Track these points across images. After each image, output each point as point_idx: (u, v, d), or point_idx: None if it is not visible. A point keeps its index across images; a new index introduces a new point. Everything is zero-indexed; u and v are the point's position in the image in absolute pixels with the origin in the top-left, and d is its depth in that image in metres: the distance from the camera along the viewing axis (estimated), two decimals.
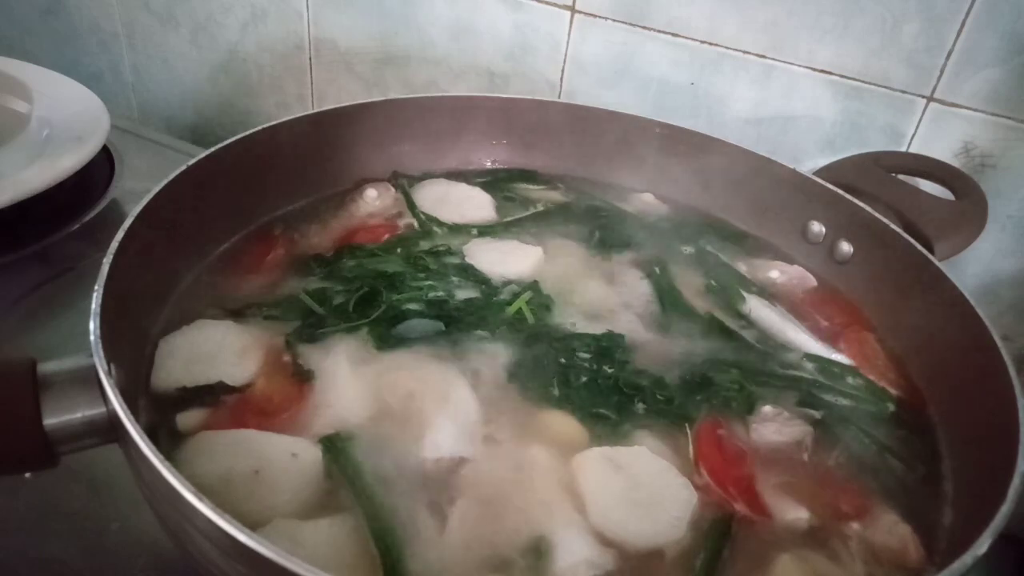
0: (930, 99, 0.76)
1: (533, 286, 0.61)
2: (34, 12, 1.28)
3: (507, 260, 0.64)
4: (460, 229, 0.69)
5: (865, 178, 0.72)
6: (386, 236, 0.67)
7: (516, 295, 0.60)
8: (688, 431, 0.51)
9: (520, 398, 0.51)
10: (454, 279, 0.62)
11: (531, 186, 0.78)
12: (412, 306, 0.58)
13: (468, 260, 0.64)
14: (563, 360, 0.55)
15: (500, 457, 0.47)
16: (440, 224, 0.70)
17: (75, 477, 0.56)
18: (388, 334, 0.55)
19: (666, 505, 0.45)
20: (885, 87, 0.77)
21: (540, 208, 0.74)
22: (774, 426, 0.51)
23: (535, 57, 0.93)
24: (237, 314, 0.56)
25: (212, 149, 0.59)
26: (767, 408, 0.53)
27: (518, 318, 0.58)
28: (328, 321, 0.56)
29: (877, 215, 0.64)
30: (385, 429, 0.48)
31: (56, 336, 0.70)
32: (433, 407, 0.49)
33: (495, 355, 0.54)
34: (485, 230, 0.70)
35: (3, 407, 0.40)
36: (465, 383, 0.51)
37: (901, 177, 0.74)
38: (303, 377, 0.51)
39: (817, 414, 0.53)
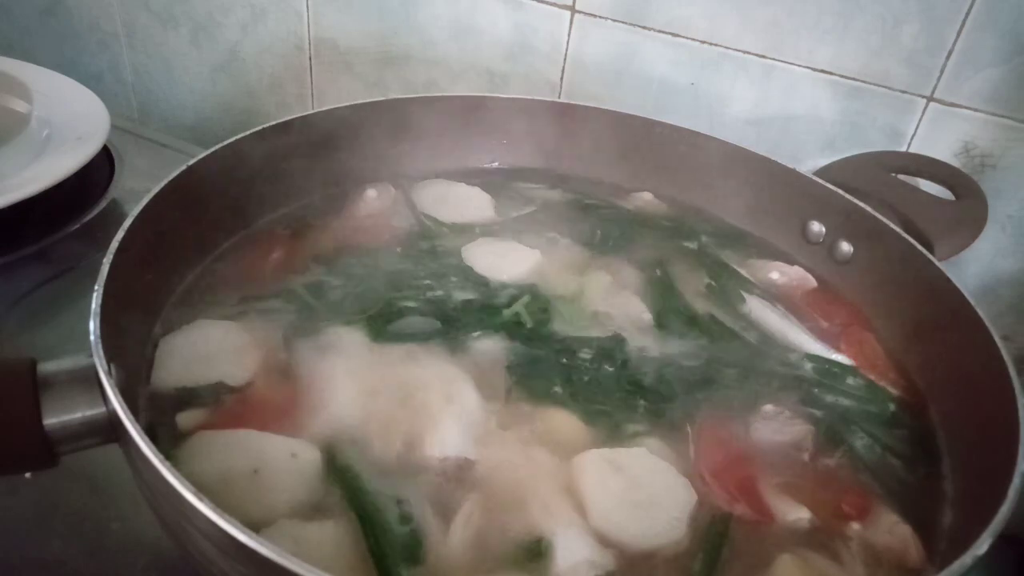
0: (930, 99, 0.76)
1: (531, 289, 0.61)
2: (34, 12, 1.28)
3: (505, 262, 0.64)
4: (460, 229, 0.69)
5: (865, 178, 0.72)
6: (386, 236, 0.67)
7: (514, 298, 0.60)
8: (689, 431, 0.51)
9: (520, 398, 0.51)
10: (453, 279, 0.62)
11: (531, 186, 0.78)
12: (410, 304, 0.58)
13: (466, 262, 0.64)
14: (564, 360, 0.55)
15: (501, 458, 0.47)
16: (440, 224, 0.70)
17: (75, 477, 0.56)
18: (385, 331, 0.55)
19: (666, 506, 0.45)
20: (885, 87, 0.77)
21: (540, 208, 0.74)
22: (775, 426, 0.51)
23: (535, 57, 0.93)
24: (237, 313, 0.56)
25: (212, 149, 0.59)
26: (768, 407, 0.53)
27: (516, 320, 0.58)
28: (326, 319, 0.56)
29: (877, 215, 0.64)
30: (384, 429, 0.48)
31: (56, 336, 0.70)
32: (437, 406, 0.49)
33: (495, 355, 0.54)
34: (485, 230, 0.70)
35: (3, 407, 0.40)
36: (470, 383, 0.51)
37: (901, 177, 0.74)
38: (302, 377, 0.51)
39: (818, 414, 0.54)
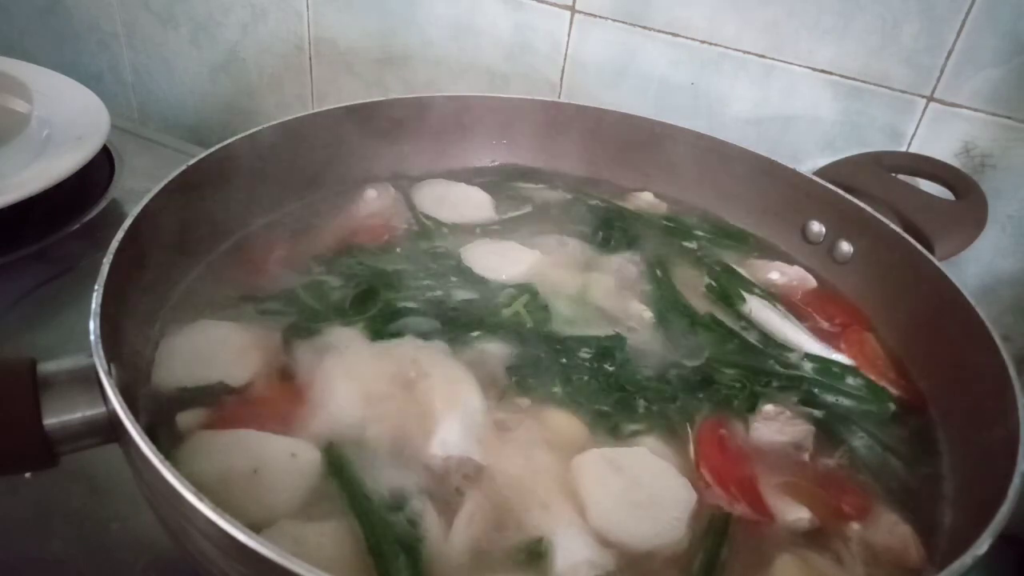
0: (930, 99, 0.76)
1: (530, 289, 0.61)
2: (34, 12, 1.28)
3: (504, 262, 0.64)
4: (460, 229, 0.69)
5: (865, 178, 0.72)
6: (386, 236, 0.67)
7: (513, 298, 0.60)
8: (689, 431, 0.51)
9: (520, 398, 0.51)
10: (452, 279, 0.62)
11: (531, 185, 0.78)
12: (409, 304, 0.58)
13: (466, 262, 0.64)
14: (563, 360, 0.55)
15: (502, 458, 0.47)
16: (439, 224, 0.70)
17: (75, 477, 0.56)
18: (385, 331, 0.55)
19: (666, 506, 0.45)
20: (885, 87, 0.77)
21: (540, 208, 0.74)
22: (776, 425, 0.51)
23: (535, 57, 0.93)
24: (237, 313, 0.56)
25: (212, 149, 0.59)
26: (769, 407, 0.53)
27: (516, 320, 0.58)
28: (326, 319, 0.56)
29: (877, 215, 0.64)
30: (385, 428, 0.48)
31: (56, 336, 0.70)
32: (440, 406, 0.49)
33: (494, 355, 0.54)
34: (485, 230, 0.70)
35: (3, 407, 0.40)
36: (472, 383, 0.51)
37: (901, 177, 0.74)
38: (302, 377, 0.51)
39: (818, 414, 0.54)
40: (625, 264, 0.67)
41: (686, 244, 0.71)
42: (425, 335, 0.55)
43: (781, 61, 0.81)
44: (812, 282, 0.68)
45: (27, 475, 0.51)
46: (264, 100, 1.17)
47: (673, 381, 0.54)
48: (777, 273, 0.68)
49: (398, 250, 0.65)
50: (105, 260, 0.46)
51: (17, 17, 1.31)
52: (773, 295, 0.66)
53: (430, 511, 0.43)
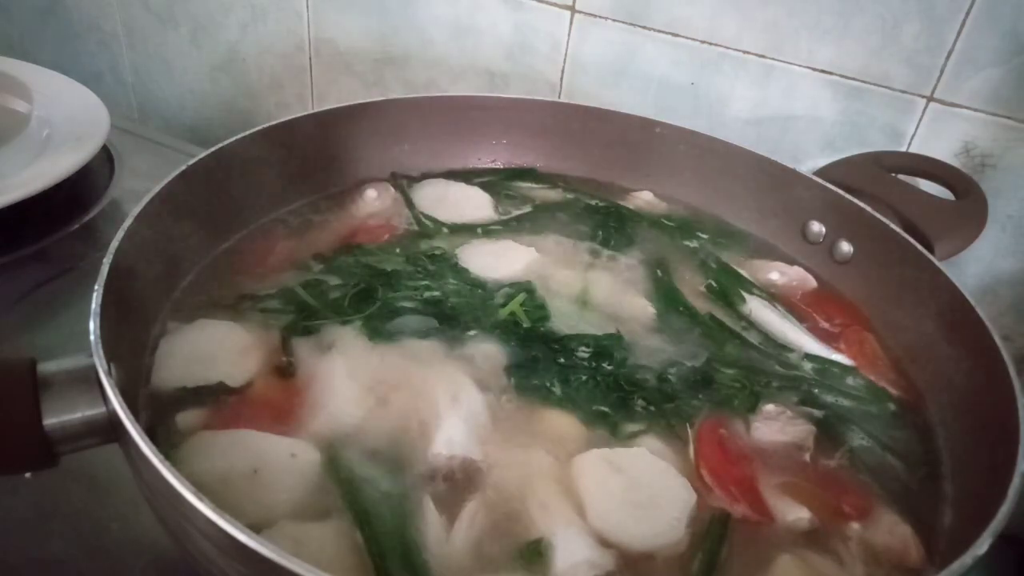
0: (930, 99, 0.76)
1: (528, 288, 0.61)
2: (34, 12, 1.28)
3: (502, 262, 0.64)
4: (459, 229, 0.69)
5: (865, 178, 0.72)
6: (386, 236, 0.67)
7: (510, 297, 0.60)
8: (689, 430, 0.51)
9: (519, 398, 0.51)
10: (451, 279, 0.62)
11: (531, 185, 0.78)
12: (407, 303, 0.58)
13: (464, 262, 0.64)
14: (562, 360, 0.55)
15: (502, 458, 0.47)
16: (439, 224, 0.70)
17: (75, 477, 0.56)
18: (383, 330, 0.55)
19: (665, 506, 0.45)
20: (885, 87, 0.77)
21: (539, 208, 0.74)
22: (777, 425, 0.51)
23: (535, 57, 0.93)
24: (236, 313, 0.56)
25: (212, 149, 0.59)
26: (770, 407, 0.53)
27: (513, 319, 0.58)
28: (325, 318, 0.56)
29: (877, 215, 0.64)
30: (386, 428, 0.48)
31: (56, 336, 0.70)
32: (443, 406, 0.49)
33: (493, 355, 0.54)
34: (484, 230, 0.70)
35: (3, 407, 0.40)
36: (473, 384, 0.51)
37: (901, 177, 0.74)
38: (302, 377, 0.51)
39: (818, 414, 0.53)
40: (624, 264, 0.67)
41: (686, 244, 0.71)
42: (423, 334, 0.55)
43: (781, 61, 0.81)
44: (812, 282, 0.68)
45: (27, 475, 0.51)
46: (264, 100, 1.17)
47: (673, 381, 0.54)
48: (777, 273, 0.68)
49: (397, 250, 0.65)
50: (105, 260, 0.46)
51: (17, 17, 1.31)
52: (773, 295, 0.66)
53: (431, 511, 0.43)
